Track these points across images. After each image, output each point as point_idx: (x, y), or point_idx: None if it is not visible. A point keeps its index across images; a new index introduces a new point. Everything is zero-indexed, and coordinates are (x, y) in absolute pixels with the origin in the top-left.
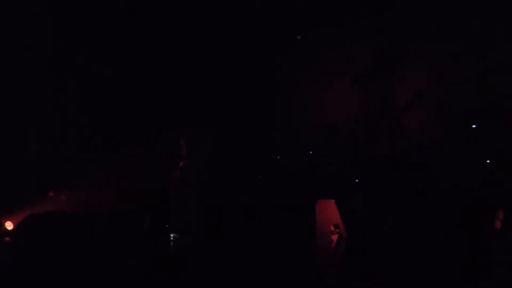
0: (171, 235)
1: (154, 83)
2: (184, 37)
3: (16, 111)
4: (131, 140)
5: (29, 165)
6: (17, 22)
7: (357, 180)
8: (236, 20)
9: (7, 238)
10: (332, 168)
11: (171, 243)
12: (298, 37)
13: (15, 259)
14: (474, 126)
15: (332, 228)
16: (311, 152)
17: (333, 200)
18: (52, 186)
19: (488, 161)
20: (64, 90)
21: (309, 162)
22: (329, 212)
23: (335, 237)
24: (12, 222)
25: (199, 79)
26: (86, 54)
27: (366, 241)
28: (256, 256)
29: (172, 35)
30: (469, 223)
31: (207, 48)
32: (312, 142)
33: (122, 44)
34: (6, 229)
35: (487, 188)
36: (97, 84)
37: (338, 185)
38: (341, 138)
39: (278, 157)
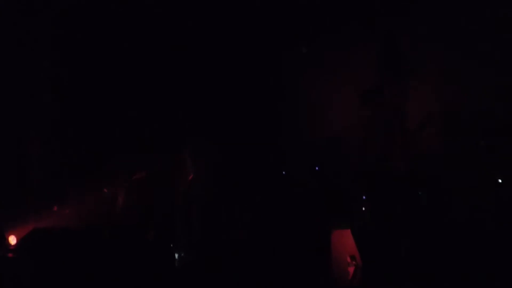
0: (176, 254)
1: (159, 97)
2: (189, 49)
3: (20, 124)
4: (136, 154)
5: (33, 178)
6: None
7: (364, 197)
8: (243, 31)
9: (10, 254)
10: (339, 184)
11: (176, 259)
12: (304, 50)
13: (19, 275)
14: (483, 141)
15: (348, 259)
16: (317, 168)
17: (349, 230)
18: (56, 200)
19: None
20: (68, 104)
21: (316, 177)
22: (345, 242)
23: (351, 269)
24: (16, 237)
25: (205, 92)
26: (91, 69)
27: (383, 270)
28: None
29: (177, 46)
30: (483, 241)
31: (214, 61)
32: (318, 156)
33: (128, 58)
34: (9, 244)
35: (498, 203)
36: (102, 99)
37: (346, 201)
38: (348, 152)
39: (284, 172)
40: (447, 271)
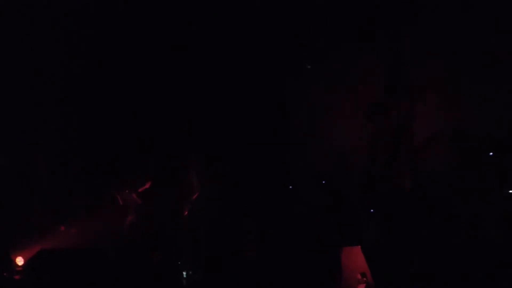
0: (183, 272)
1: (167, 116)
2: (198, 66)
3: (28, 146)
4: (142, 174)
5: (40, 199)
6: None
7: (372, 210)
8: (252, 49)
9: (17, 276)
10: (346, 199)
11: (183, 279)
12: (308, 66)
13: None
14: (491, 153)
15: (359, 276)
16: (324, 182)
17: (359, 247)
18: (63, 220)
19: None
20: (75, 125)
21: (322, 191)
22: (355, 259)
23: (362, 287)
24: (23, 257)
25: (212, 108)
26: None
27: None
28: None
29: (188, 63)
30: (494, 257)
31: (222, 77)
32: (324, 170)
33: (140, 80)
34: (17, 265)
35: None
36: (109, 120)
37: (354, 217)
38: (354, 167)
39: (290, 186)
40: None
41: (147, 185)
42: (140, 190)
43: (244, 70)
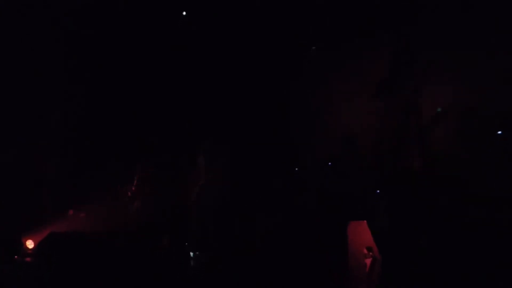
0: (191, 253)
1: (173, 104)
2: (204, 55)
3: (37, 131)
4: (151, 158)
5: (49, 183)
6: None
7: (378, 191)
8: (256, 35)
9: (28, 259)
10: (352, 179)
11: (191, 261)
12: (313, 48)
13: (37, 279)
14: (499, 132)
15: (365, 251)
16: (330, 163)
17: (365, 222)
18: (71, 204)
19: None
20: (84, 112)
21: (329, 174)
22: (361, 234)
23: (368, 261)
24: (33, 241)
25: (217, 96)
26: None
27: (402, 263)
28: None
29: (194, 54)
30: (501, 237)
31: (228, 64)
32: (331, 153)
33: (144, 63)
34: (27, 248)
35: None
36: (117, 107)
37: (359, 197)
38: (362, 149)
39: (296, 168)
40: (463, 267)
41: (150, 171)
42: (143, 175)
43: (251, 57)
